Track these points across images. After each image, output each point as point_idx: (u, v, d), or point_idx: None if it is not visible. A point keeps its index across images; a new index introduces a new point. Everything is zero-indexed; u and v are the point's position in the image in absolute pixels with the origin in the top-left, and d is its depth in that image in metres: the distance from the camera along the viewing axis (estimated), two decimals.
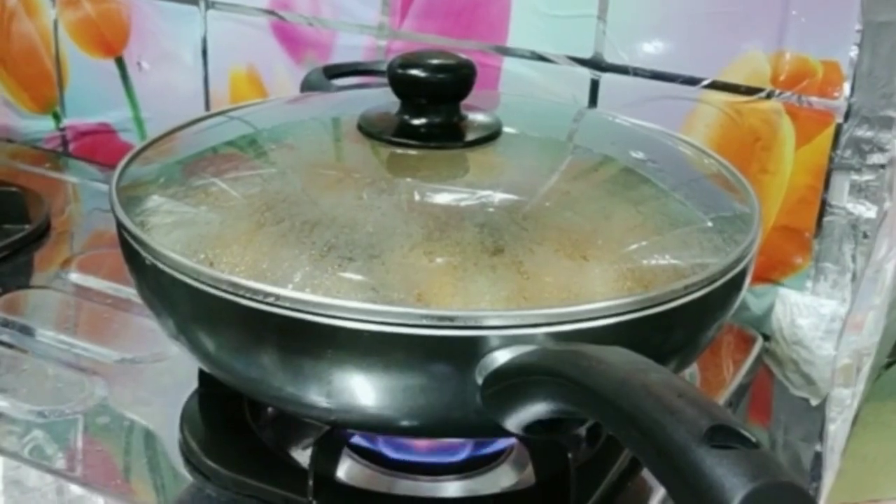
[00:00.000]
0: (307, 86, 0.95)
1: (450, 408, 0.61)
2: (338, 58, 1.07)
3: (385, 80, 0.83)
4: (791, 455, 0.97)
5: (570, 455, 0.68)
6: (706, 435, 0.44)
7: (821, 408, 0.93)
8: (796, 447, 0.97)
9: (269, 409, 0.79)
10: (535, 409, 0.56)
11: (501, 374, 0.58)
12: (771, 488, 0.41)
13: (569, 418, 0.58)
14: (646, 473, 0.74)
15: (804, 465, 0.96)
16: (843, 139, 0.89)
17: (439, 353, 0.60)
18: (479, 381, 0.59)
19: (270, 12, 1.13)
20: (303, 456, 0.75)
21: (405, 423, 0.63)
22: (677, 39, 0.94)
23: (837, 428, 0.80)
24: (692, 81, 0.94)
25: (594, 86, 0.97)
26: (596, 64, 0.97)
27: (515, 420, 0.58)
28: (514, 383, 0.57)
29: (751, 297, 0.96)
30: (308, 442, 0.75)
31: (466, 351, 0.59)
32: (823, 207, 0.92)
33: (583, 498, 0.70)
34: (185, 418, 0.78)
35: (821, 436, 0.84)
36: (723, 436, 0.44)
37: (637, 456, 0.48)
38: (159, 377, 0.85)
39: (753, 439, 0.43)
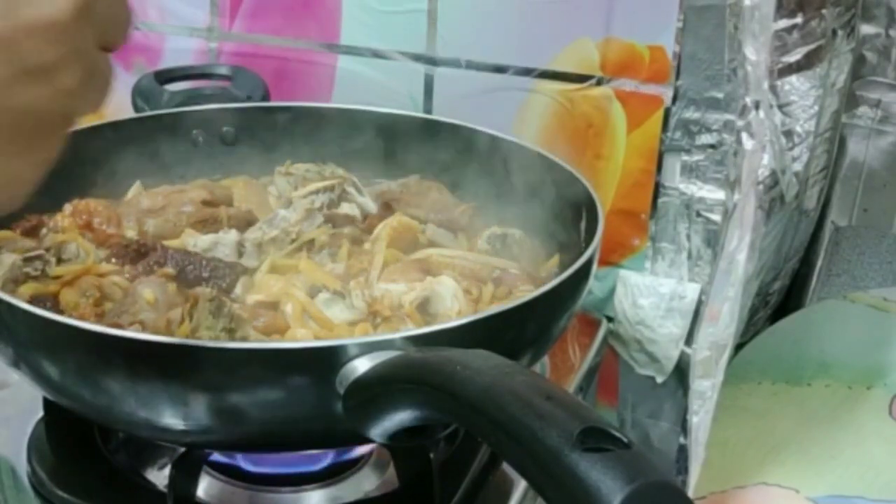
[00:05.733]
0: (138, 92, 0.92)
1: (311, 421, 0.60)
2: (168, 62, 1.03)
3: (217, 82, 0.81)
4: (639, 433, 0.99)
5: (431, 455, 0.68)
6: (578, 438, 0.43)
7: (667, 385, 0.95)
8: (644, 424, 0.99)
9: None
10: (400, 418, 0.56)
11: (363, 384, 0.57)
12: (647, 489, 0.41)
13: (433, 425, 0.58)
14: (507, 466, 0.75)
15: (652, 442, 0.98)
16: (672, 122, 0.91)
17: (298, 365, 0.59)
18: (341, 391, 0.58)
19: None
20: (159, 477, 0.72)
21: (266, 439, 0.62)
22: (508, 30, 0.94)
23: (700, 420, 0.82)
24: (524, 72, 0.94)
25: (429, 80, 0.97)
26: (429, 58, 0.97)
27: (380, 429, 0.57)
28: (378, 392, 0.56)
29: (593, 280, 0.98)
30: (164, 462, 0.73)
31: (325, 361, 0.58)
32: (657, 189, 0.94)
33: (446, 496, 0.70)
34: (33, 447, 0.74)
35: (684, 428, 0.86)
36: (595, 438, 0.44)
37: (509, 463, 0.48)
38: (1, 406, 0.81)
39: (625, 439, 0.43)
